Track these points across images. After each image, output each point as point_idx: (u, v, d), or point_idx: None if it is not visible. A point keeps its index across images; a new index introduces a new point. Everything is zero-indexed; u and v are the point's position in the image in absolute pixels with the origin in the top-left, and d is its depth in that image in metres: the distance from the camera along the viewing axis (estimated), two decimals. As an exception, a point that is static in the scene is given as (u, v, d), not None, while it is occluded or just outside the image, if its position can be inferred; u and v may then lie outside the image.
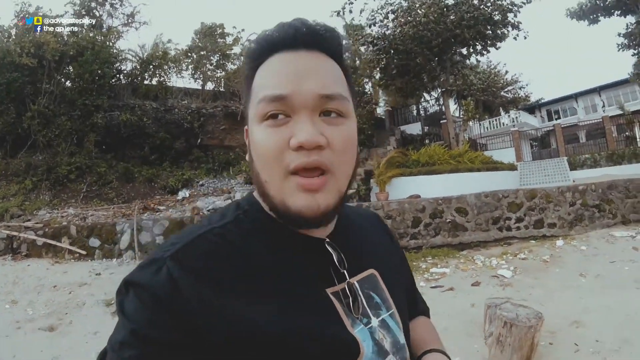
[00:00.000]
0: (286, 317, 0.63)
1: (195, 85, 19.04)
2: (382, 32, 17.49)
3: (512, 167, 15.39)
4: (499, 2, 16.63)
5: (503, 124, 26.10)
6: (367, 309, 0.74)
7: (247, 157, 0.76)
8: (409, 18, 16.29)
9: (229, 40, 19.42)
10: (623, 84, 26.10)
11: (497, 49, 17.89)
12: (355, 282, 0.75)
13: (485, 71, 28.19)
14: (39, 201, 12.13)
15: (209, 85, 19.02)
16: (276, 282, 0.66)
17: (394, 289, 0.82)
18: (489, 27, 16.93)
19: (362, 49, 17.83)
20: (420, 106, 22.19)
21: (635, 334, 4.24)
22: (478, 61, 19.78)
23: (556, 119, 33.27)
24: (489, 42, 17.59)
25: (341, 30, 18.51)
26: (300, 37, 0.68)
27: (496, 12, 16.68)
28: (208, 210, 8.87)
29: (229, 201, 9.30)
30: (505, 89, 31.74)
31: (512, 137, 21.84)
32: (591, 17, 18.49)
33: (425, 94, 21.74)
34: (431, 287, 6.31)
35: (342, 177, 0.68)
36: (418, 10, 16.20)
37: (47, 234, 9.10)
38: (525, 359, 3.53)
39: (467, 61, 19.99)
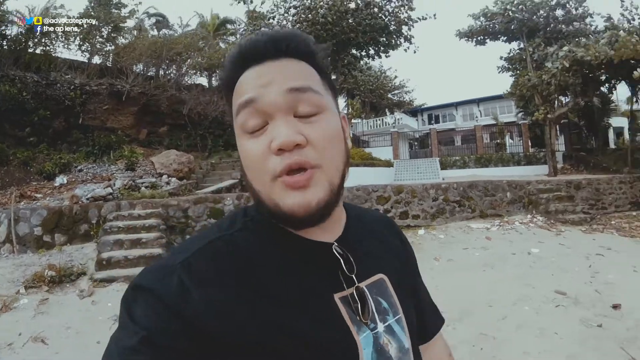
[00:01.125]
0: (294, 325, 0.64)
1: (82, 57, 17.04)
2: (281, 26, 17.71)
3: (388, 164, 16.51)
4: (398, 15, 17.65)
5: (386, 123, 27.57)
6: (375, 314, 0.75)
7: (240, 171, 0.75)
8: (309, 16, 16.91)
9: (125, 12, 18.03)
10: (499, 98, 28.60)
11: (387, 56, 19.15)
12: (364, 287, 0.75)
13: (376, 74, 29.40)
14: None
15: (96, 60, 17.27)
16: (284, 289, 0.66)
17: (403, 294, 0.82)
18: (383, 35, 18.09)
19: None
20: None
21: (474, 305, 4.97)
22: (369, 64, 20.78)
23: (435, 124, 35.85)
24: (382, 48, 18.65)
25: (243, 17, 18.18)
26: (263, 49, 0.70)
27: (393, 23, 17.76)
28: (87, 199, 8.46)
29: (109, 189, 9.01)
30: (393, 92, 33.32)
31: (391, 137, 23.27)
32: (479, 39, 19.96)
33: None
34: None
35: (331, 170, 0.68)
36: (319, 10, 16.80)
37: None
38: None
39: (360, 63, 20.93)
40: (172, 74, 17.33)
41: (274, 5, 18.58)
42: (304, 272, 0.70)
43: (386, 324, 0.75)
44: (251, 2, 20.04)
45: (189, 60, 17.99)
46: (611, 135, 25.59)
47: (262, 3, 19.49)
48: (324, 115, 0.69)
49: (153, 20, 23.58)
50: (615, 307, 5.10)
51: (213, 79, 19.37)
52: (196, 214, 8.22)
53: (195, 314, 0.59)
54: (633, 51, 12.60)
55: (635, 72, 12.33)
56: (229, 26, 26.19)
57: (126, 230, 7.09)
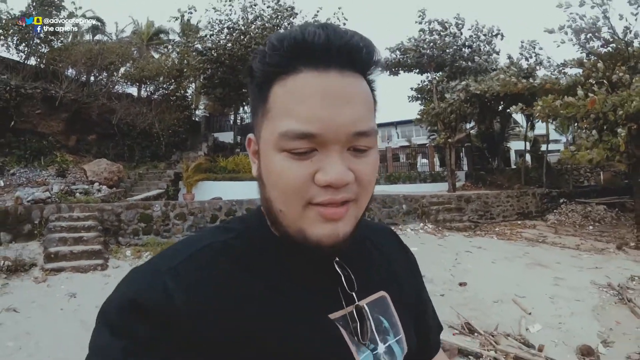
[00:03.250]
0: (282, 340, 0.62)
1: (17, 57, 16.74)
2: (214, 43, 19.17)
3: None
4: None
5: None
6: (375, 334, 0.73)
7: (253, 172, 0.71)
8: (241, 38, 18.40)
9: (64, 14, 18.03)
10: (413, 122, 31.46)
11: None
12: (365, 305, 0.74)
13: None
14: None
15: (32, 61, 17.01)
16: (277, 303, 0.65)
17: (404, 312, 0.81)
18: None
19: (193, 54, 18.96)
20: (237, 116, 23.99)
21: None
22: None
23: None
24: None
25: (176, 27, 19.21)
26: (335, 53, 0.62)
27: None
28: (28, 201, 9.67)
29: (48, 193, 10.32)
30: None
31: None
32: (393, 70, 22.35)
33: (242, 107, 23.85)
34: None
35: (364, 204, 0.67)
36: (251, 33, 18.37)
37: None
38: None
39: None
40: (103, 82, 17.70)
41: (209, 22, 19.96)
42: (301, 287, 0.68)
43: (387, 344, 0.74)
44: (190, 15, 21.07)
45: (122, 69, 18.58)
46: (512, 156, 29.06)
47: (199, 22, 20.89)
48: (373, 150, 0.66)
49: (90, 23, 23.78)
50: (461, 284, 7.50)
51: (143, 90, 19.97)
52: (128, 218, 9.82)
53: (179, 320, 0.58)
54: (516, 88, 15.33)
55: (513, 107, 15.07)
56: (162, 36, 27.01)
57: (68, 230, 8.59)
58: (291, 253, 0.69)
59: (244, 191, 13.37)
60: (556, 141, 34.49)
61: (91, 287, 6.75)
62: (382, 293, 0.79)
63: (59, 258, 7.70)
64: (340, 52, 0.62)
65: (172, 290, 0.59)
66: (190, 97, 21.72)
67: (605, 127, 12.27)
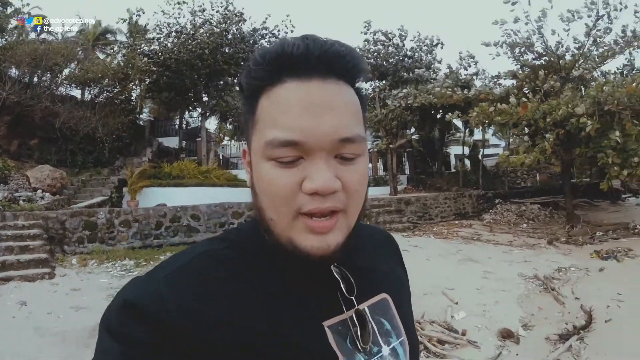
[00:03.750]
0: (272, 348, 0.63)
1: None
2: (162, 46, 19.36)
3: (253, 185, 18.88)
4: None
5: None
6: (378, 336, 0.74)
7: (248, 182, 0.74)
8: (187, 45, 18.60)
9: (9, 10, 18.09)
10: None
11: None
12: (366, 308, 0.74)
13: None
14: None
15: None
16: (269, 310, 0.66)
17: (405, 314, 0.82)
18: None
19: (139, 56, 18.89)
20: (183, 121, 24.06)
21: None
22: None
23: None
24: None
25: (125, 29, 19.10)
26: (315, 62, 0.64)
27: None
28: None
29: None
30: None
31: (254, 160, 25.60)
32: None
33: (188, 111, 23.88)
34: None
35: (354, 214, 0.68)
36: (199, 38, 18.64)
37: None
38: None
39: (235, 88, 23.09)
40: (47, 83, 17.39)
41: (157, 25, 20.02)
42: (294, 296, 0.69)
43: (390, 346, 0.75)
44: (138, 17, 21.17)
45: (66, 70, 18.21)
46: (452, 160, 30.44)
47: (147, 24, 21.04)
48: (361, 158, 0.67)
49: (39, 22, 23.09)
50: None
51: (87, 92, 19.68)
52: (72, 226, 10.10)
53: (174, 325, 0.60)
54: (452, 99, 16.42)
55: (450, 114, 16.13)
56: (109, 37, 26.67)
57: (14, 238, 8.85)
58: (286, 260, 0.68)
59: (188, 197, 13.70)
60: (496, 146, 36.36)
61: (40, 296, 7.04)
62: (383, 295, 0.80)
63: (6, 267, 7.96)
64: (320, 60, 0.64)
65: (166, 296, 0.62)
66: (135, 100, 21.41)
67: (536, 133, 13.38)
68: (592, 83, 14.07)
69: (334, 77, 0.66)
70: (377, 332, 0.74)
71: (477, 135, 25.98)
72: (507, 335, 5.73)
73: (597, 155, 12.34)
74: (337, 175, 0.64)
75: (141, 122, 22.93)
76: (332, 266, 0.72)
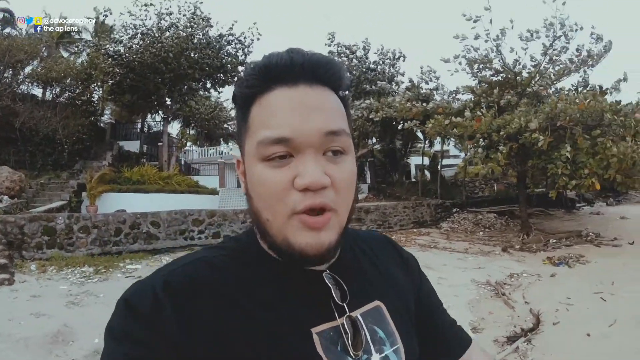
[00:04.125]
0: (258, 353, 0.65)
1: None
2: (126, 48, 19.32)
3: (213, 192, 19.02)
4: (236, 55, 20.65)
5: (220, 152, 30.01)
6: (371, 344, 0.75)
7: (243, 190, 0.77)
8: (151, 48, 18.65)
9: None
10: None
11: (220, 92, 22.21)
12: (359, 316, 0.76)
13: (212, 104, 31.49)
14: None
15: None
16: (259, 316, 0.68)
17: (402, 321, 0.82)
18: (220, 72, 20.74)
19: (103, 57, 18.76)
20: (145, 124, 24.00)
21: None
22: (209, 95, 22.98)
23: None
24: (218, 84, 21.40)
25: (90, 27, 18.93)
26: (299, 70, 0.69)
27: (230, 63, 20.54)
28: None
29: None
30: (228, 123, 35.76)
31: (218, 166, 25.99)
32: None
33: (150, 114, 23.78)
34: (125, 277, 8.85)
35: (344, 213, 0.71)
36: (164, 42, 18.70)
37: None
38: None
39: (200, 93, 23.17)
40: (7, 81, 17.32)
41: (123, 26, 19.97)
42: (286, 303, 0.71)
43: (382, 354, 0.75)
44: (105, 17, 20.92)
45: (28, 67, 18.14)
46: (413, 170, 31.16)
47: (113, 25, 20.86)
48: (348, 157, 0.71)
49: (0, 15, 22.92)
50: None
51: (48, 92, 19.61)
52: (31, 230, 10.16)
53: (168, 327, 0.63)
54: (411, 113, 17.08)
55: (409, 122, 16.78)
56: (74, 35, 26.20)
57: (-29, 244, 8.84)
58: (280, 267, 0.72)
59: (149, 203, 13.78)
60: (456, 156, 37.25)
61: (1, 301, 7.13)
62: (376, 303, 0.80)
63: (-37, 272, 8.02)
64: (304, 68, 0.69)
65: (161, 298, 0.65)
66: (96, 102, 21.32)
67: (491, 146, 14.03)
68: (548, 99, 14.77)
69: (319, 83, 0.71)
70: (369, 339, 0.75)
71: (439, 146, 26.76)
72: None
73: (548, 166, 12.94)
74: (326, 173, 0.67)
75: (102, 125, 22.79)
76: (325, 273, 0.76)
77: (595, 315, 6.65)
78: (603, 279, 8.76)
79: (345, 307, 0.74)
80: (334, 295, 0.74)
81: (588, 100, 12.64)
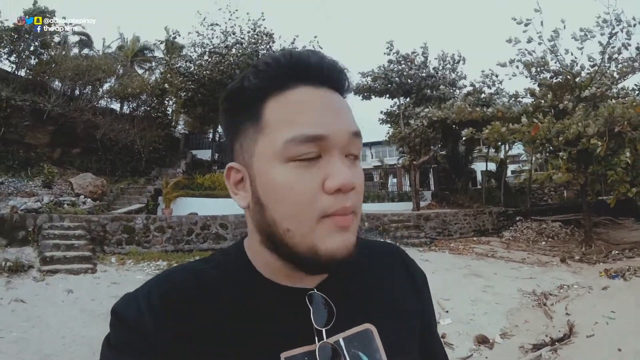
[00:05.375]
0: None
1: (8, 67, 17.27)
2: (196, 65, 20.43)
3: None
4: None
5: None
6: None
7: (242, 204, 0.72)
8: (220, 65, 19.64)
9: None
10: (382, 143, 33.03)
11: None
12: (341, 340, 0.72)
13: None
14: None
15: (22, 72, 17.59)
16: (235, 335, 0.66)
17: (394, 344, 0.76)
18: None
19: (174, 76, 19.94)
20: (216, 134, 24.73)
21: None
22: None
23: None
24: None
25: (162, 46, 20.32)
26: (326, 73, 0.69)
27: None
28: (22, 210, 10.82)
29: (39, 204, 11.54)
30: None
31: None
32: (365, 94, 23.62)
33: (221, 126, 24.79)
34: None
35: (359, 216, 0.70)
36: (231, 59, 19.65)
37: None
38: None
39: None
40: (88, 97, 18.47)
41: (192, 44, 21.19)
42: (261, 324, 0.68)
43: None
44: (174, 38, 22.30)
45: (106, 84, 19.43)
46: (479, 177, 30.66)
47: (182, 46, 22.03)
48: (359, 162, 0.71)
49: (77, 38, 24.53)
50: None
51: (125, 106, 20.82)
52: (112, 229, 11.07)
53: (148, 334, 0.64)
54: (470, 116, 17.01)
55: (465, 130, 16.63)
56: (147, 53, 27.69)
57: (60, 237, 9.83)
58: (265, 287, 0.71)
59: (218, 207, 14.44)
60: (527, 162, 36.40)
61: (85, 286, 8.02)
62: (366, 326, 0.75)
63: (54, 261, 8.92)
64: (330, 72, 0.69)
65: (143, 309, 0.66)
66: (170, 115, 22.37)
67: (551, 151, 13.74)
68: (609, 101, 14.14)
69: (335, 89, 0.71)
70: None
71: (514, 150, 26.03)
72: (482, 340, 6.10)
73: (607, 173, 12.56)
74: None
75: (177, 135, 23.91)
76: (314, 292, 0.73)
77: (635, 331, 6.40)
78: (659, 294, 8.32)
79: (324, 332, 0.70)
80: (312, 319, 0.70)
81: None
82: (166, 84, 19.96)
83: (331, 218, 0.64)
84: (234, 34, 20.87)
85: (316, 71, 0.68)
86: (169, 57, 22.03)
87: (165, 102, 20.92)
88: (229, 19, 21.02)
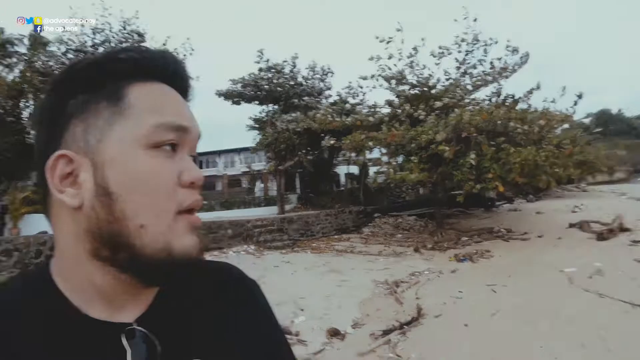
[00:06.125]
0: None
1: None
2: (58, 63, 18.80)
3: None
4: None
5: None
6: None
7: (74, 203, 0.58)
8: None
9: None
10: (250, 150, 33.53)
11: None
12: None
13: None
14: None
15: None
16: None
17: None
18: None
19: (34, 74, 18.17)
20: None
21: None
22: None
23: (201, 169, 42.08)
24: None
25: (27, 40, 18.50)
26: (173, 69, 0.67)
27: None
28: None
29: None
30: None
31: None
32: (235, 100, 24.05)
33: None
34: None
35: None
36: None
37: None
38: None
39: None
40: None
41: (58, 41, 19.58)
42: None
43: None
44: (40, 30, 20.02)
45: None
46: (342, 179, 31.86)
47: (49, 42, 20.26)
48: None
49: None
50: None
51: None
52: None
53: None
54: (331, 125, 18.09)
55: (324, 140, 17.67)
56: (8, 47, 25.24)
57: None
58: (72, 322, 0.59)
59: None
60: (389, 164, 38.64)
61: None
62: None
63: None
64: (183, 76, 0.69)
65: None
66: (26, 119, 19.85)
67: (407, 155, 14.93)
68: (456, 110, 15.67)
69: (184, 94, 0.69)
70: None
71: (376, 153, 27.32)
72: (334, 333, 6.29)
73: (454, 173, 13.69)
74: None
75: (31, 141, 21.54)
76: (135, 327, 0.62)
77: (480, 307, 6.95)
78: (502, 271, 9.18)
79: None
80: (128, 358, 0.59)
81: (491, 111, 13.68)
82: (25, 85, 18.03)
83: (186, 217, 0.61)
84: (102, 31, 19.70)
85: (173, 73, 0.67)
86: (30, 54, 19.85)
87: (22, 104, 18.83)
88: (101, 15, 19.72)
